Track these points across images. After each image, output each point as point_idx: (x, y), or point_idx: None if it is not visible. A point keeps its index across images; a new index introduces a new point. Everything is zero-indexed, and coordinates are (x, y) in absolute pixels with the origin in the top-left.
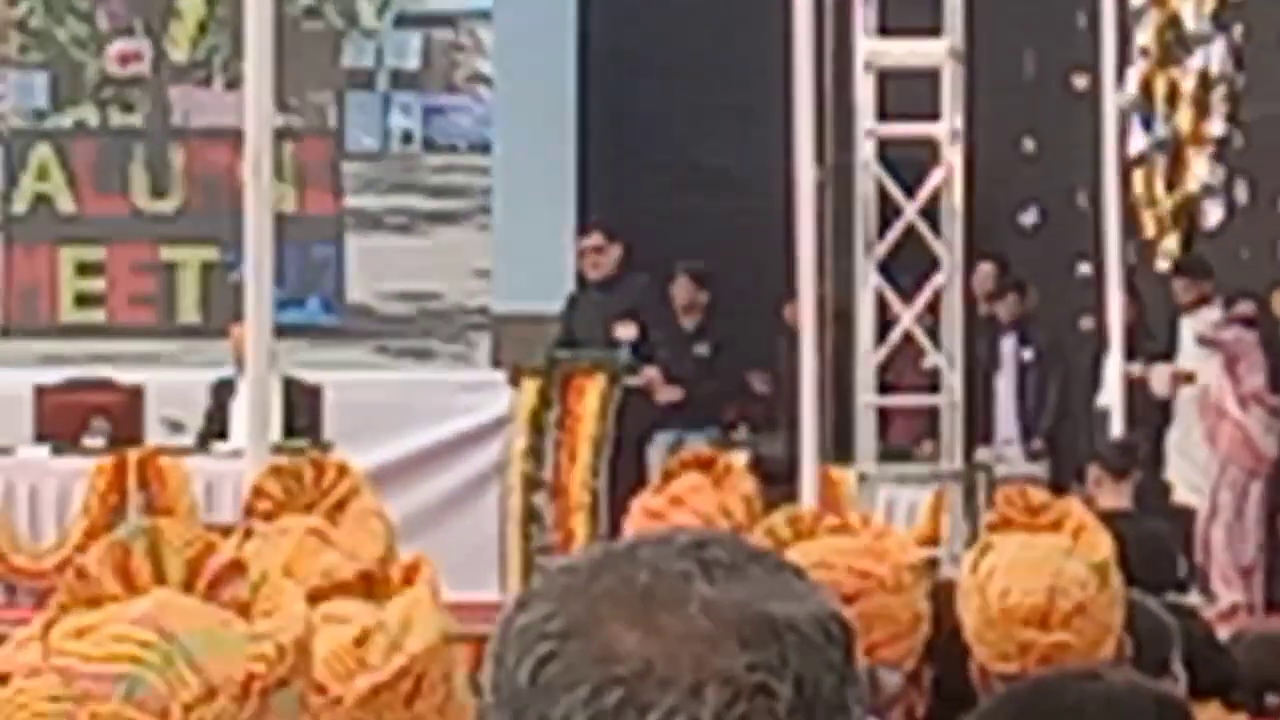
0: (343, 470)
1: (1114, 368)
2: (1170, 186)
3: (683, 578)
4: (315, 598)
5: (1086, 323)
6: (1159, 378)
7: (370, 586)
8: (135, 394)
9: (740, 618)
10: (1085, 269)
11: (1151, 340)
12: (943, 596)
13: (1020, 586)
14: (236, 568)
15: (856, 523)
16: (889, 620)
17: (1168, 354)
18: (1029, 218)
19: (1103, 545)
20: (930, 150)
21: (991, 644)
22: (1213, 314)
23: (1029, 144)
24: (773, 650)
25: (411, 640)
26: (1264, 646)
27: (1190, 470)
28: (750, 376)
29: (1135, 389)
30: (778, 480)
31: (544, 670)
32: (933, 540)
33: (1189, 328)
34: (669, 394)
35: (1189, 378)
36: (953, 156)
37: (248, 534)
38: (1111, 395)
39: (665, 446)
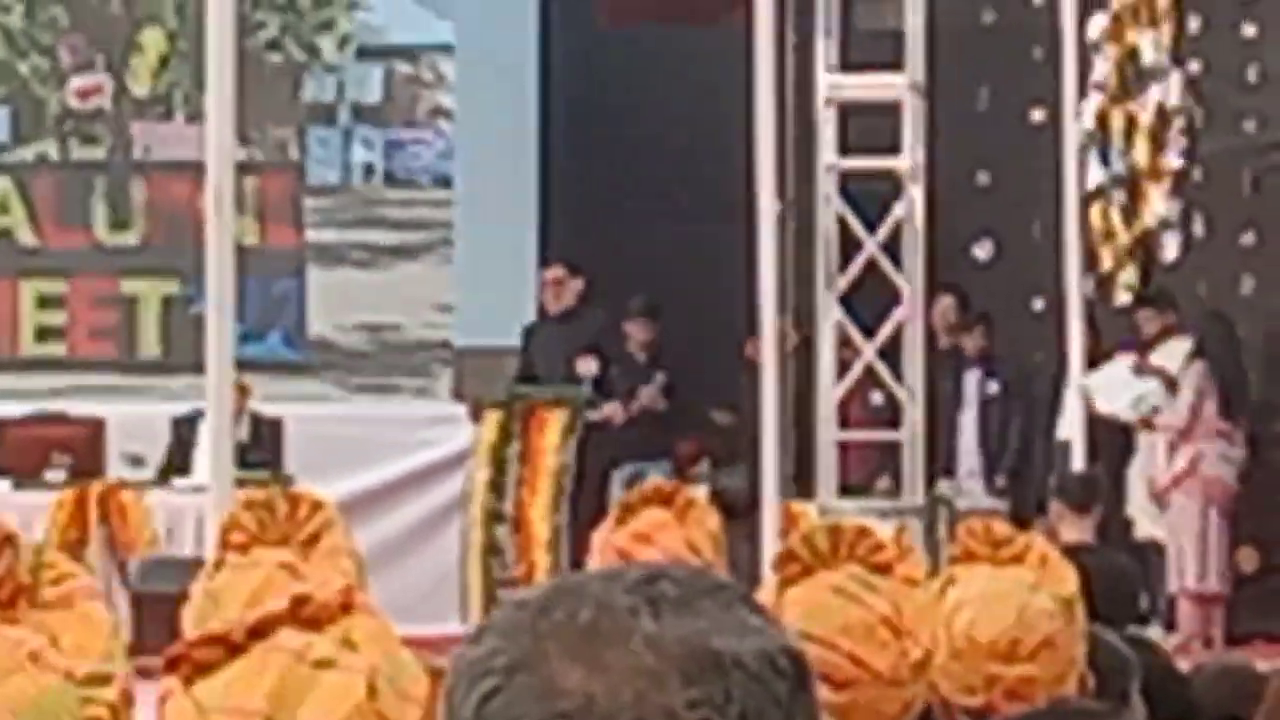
0: (316, 505)
1: (1074, 401)
2: (1128, 220)
3: (629, 613)
4: (259, 631)
5: (1041, 357)
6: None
7: (307, 612)
8: (96, 428)
9: (684, 653)
10: (1040, 303)
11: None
12: None
13: (988, 620)
14: (6, 540)
15: (911, 574)
16: (874, 712)
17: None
18: (983, 251)
19: (1069, 579)
20: (891, 184)
21: (957, 677)
22: (1183, 346)
23: (983, 177)
24: (716, 686)
25: (413, 686)
26: (1226, 680)
27: (1153, 503)
28: (711, 410)
29: (1096, 422)
30: (738, 514)
31: (488, 705)
32: None
33: (1157, 360)
34: (620, 416)
35: (1170, 380)
36: (914, 190)
37: (219, 565)
38: (1073, 429)
39: (624, 480)
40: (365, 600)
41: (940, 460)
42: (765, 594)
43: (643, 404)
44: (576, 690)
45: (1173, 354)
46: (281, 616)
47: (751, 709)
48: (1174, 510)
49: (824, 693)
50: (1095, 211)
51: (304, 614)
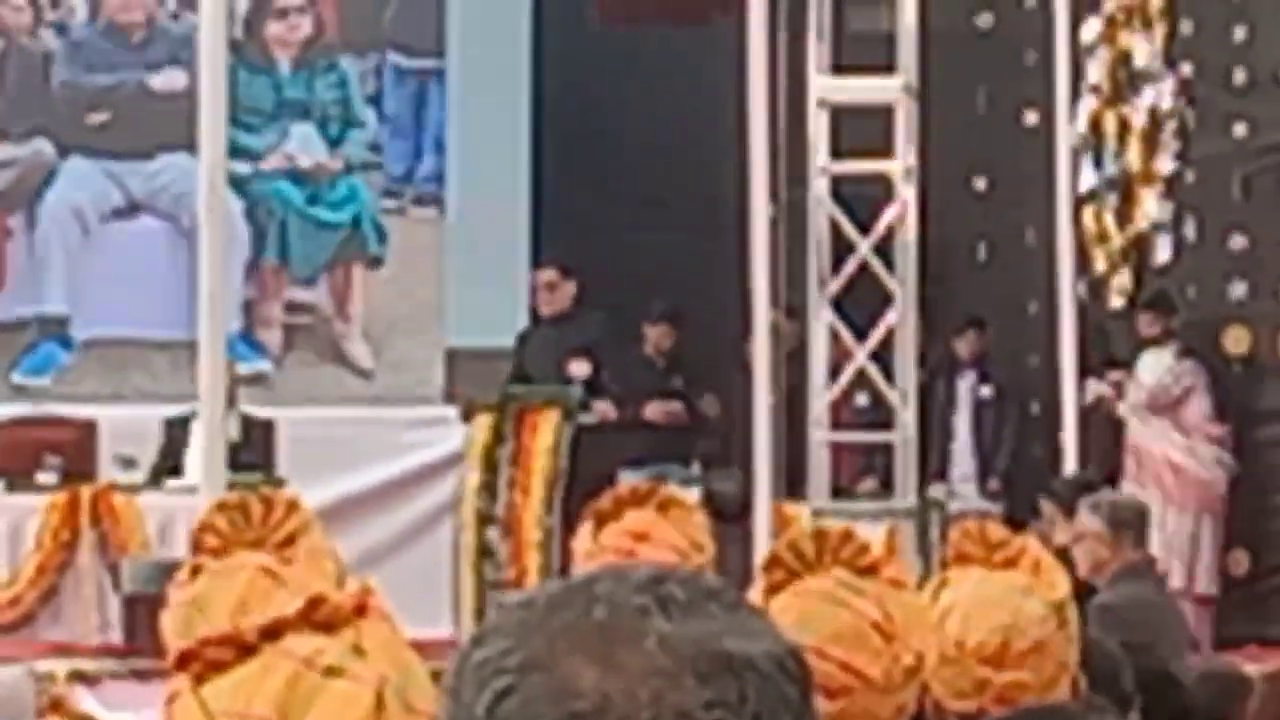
0: (292, 506)
1: (1068, 405)
2: (1121, 223)
3: (640, 613)
4: (272, 632)
5: (1035, 360)
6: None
7: (320, 615)
8: (88, 430)
9: (698, 654)
10: (1034, 306)
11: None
12: None
13: (978, 624)
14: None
15: (897, 575)
16: (868, 718)
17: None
18: (977, 254)
19: (1060, 583)
20: (884, 186)
21: (948, 681)
22: (1166, 354)
23: (976, 180)
24: (731, 687)
25: (420, 698)
26: (1212, 682)
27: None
28: (703, 412)
29: (1090, 425)
30: (730, 516)
31: (501, 705)
32: None
33: (1148, 364)
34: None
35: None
36: (906, 193)
37: (196, 570)
38: (1066, 432)
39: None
40: (379, 605)
41: (932, 463)
42: (752, 600)
43: (665, 415)
44: (592, 690)
45: (1161, 357)
46: (294, 619)
47: (764, 710)
48: (1168, 514)
49: (818, 702)
50: (1088, 214)
51: (317, 616)
